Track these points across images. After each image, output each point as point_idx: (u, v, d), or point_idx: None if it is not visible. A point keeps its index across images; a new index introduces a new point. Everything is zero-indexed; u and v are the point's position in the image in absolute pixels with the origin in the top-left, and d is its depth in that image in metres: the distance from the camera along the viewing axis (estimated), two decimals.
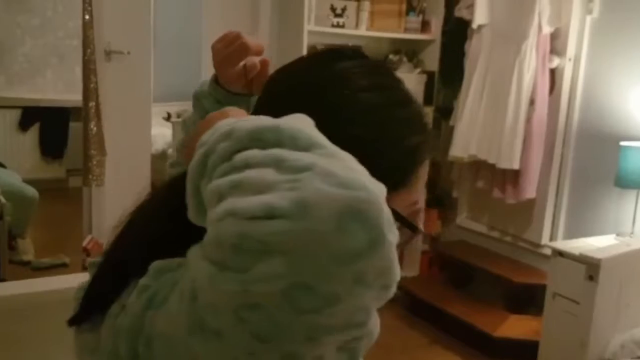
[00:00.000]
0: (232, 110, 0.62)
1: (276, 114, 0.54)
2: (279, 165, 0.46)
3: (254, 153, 0.48)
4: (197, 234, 0.51)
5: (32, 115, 4.48)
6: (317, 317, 0.44)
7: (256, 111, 0.70)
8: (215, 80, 0.89)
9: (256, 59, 0.83)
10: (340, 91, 0.66)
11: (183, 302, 0.49)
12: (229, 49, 0.84)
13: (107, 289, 0.62)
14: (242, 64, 0.83)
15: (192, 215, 0.54)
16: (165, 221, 0.62)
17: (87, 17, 2.79)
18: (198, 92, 0.93)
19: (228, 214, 0.44)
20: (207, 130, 0.55)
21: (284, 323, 0.44)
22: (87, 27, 2.82)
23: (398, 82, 0.71)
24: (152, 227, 0.65)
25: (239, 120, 0.54)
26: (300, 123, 0.52)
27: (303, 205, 0.42)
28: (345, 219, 0.42)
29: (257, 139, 0.49)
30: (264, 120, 0.52)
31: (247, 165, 0.47)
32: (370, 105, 0.66)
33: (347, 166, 0.47)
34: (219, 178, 0.48)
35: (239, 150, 0.49)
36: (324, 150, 0.48)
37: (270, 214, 0.43)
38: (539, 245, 3.21)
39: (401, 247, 0.51)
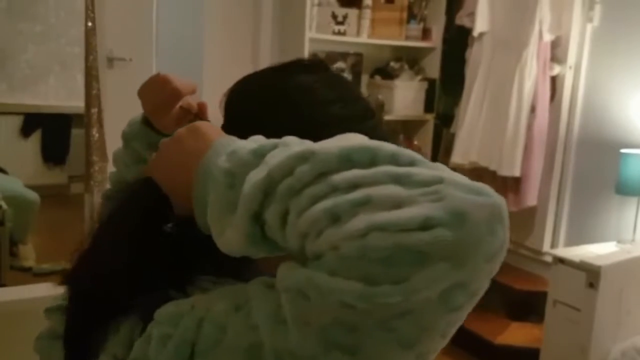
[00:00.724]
0: (204, 125, 0.64)
1: (247, 127, 0.59)
2: (400, 181, 0.48)
3: (354, 173, 0.49)
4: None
5: (34, 122, 4.49)
6: (459, 313, 0.48)
7: (229, 122, 0.71)
8: (146, 122, 0.88)
9: (191, 100, 0.84)
10: (312, 103, 0.69)
11: (290, 332, 0.48)
12: (161, 97, 0.84)
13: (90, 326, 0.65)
14: (178, 106, 0.84)
15: (235, 242, 0.54)
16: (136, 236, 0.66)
17: (89, 24, 2.80)
18: (127, 133, 0.90)
19: (372, 229, 0.45)
20: (183, 148, 0.61)
21: (430, 324, 0.47)
22: (90, 34, 2.83)
23: (359, 95, 0.74)
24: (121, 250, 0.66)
25: (302, 141, 0.55)
26: (369, 140, 0.53)
27: (458, 213, 0.45)
28: (493, 222, 0.47)
29: (347, 161, 0.50)
30: (346, 141, 0.52)
31: (355, 186, 0.48)
32: (341, 118, 0.69)
33: (460, 176, 0.50)
34: (313, 204, 0.48)
35: (324, 173, 0.49)
36: (429, 164, 0.51)
37: (425, 225, 0.45)
38: (540, 253, 3.21)
39: None
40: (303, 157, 0.51)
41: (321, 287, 0.47)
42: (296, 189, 0.50)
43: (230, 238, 0.54)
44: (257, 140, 0.58)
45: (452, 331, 0.50)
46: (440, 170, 0.50)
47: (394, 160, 0.50)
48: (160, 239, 0.65)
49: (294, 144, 0.54)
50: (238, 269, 0.62)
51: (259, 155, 0.54)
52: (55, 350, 0.71)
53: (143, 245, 0.65)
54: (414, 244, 0.45)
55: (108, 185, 0.99)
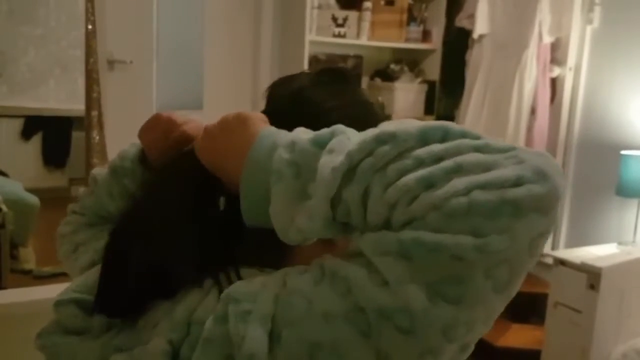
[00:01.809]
0: (251, 114, 0.67)
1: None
2: (481, 149, 0.53)
3: (435, 147, 0.53)
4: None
5: (34, 125, 4.50)
6: (537, 258, 0.54)
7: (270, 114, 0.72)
8: (142, 161, 0.86)
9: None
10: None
11: (395, 292, 0.51)
12: (169, 142, 0.81)
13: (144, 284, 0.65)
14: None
15: (309, 228, 0.56)
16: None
17: (89, 27, 2.80)
18: (118, 167, 0.88)
19: (474, 187, 0.50)
20: (237, 138, 0.64)
21: (520, 269, 0.53)
22: (90, 37, 2.84)
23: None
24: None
25: (381, 125, 0.59)
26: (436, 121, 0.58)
27: (541, 171, 0.51)
28: (562, 175, 0.54)
29: (424, 138, 0.54)
30: (416, 124, 0.56)
31: (440, 158, 0.53)
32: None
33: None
34: (401, 176, 0.52)
35: (406, 150, 0.54)
36: (491, 138, 0.56)
37: (518, 182, 0.50)
38: (541, 254, 3.20)
39: None
40: (382, 139, 0.54)
41: (429, 245, 0.50)
42: (379, 166, 0.53)
43: (302, 225, 0.57)
44: (305, 132, 0.61)
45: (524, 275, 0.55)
46: (505, 142, 0.55)
47: (464, 135, 0.55)
48: (211, 215, 0.67)
49: (349, 131, 0.58)
50: (278, 262, 0.63)
51: (319, 144, 0.57)
52: (67, 346, 0.69)
53: (197, 219, 0.67)
54: (513, 198, 0.50)
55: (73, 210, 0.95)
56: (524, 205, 0.50)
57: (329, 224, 0.56)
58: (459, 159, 0.52)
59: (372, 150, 0.54)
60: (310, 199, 0.56)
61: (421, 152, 0.53)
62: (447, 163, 0.52)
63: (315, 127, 0.61)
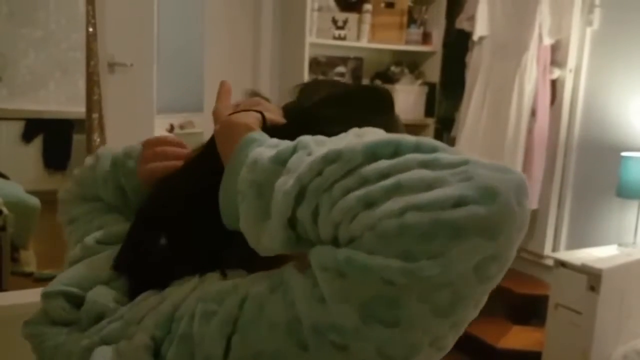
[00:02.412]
0: (236, 120, 0.68)
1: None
2: (428, 165, 0.51)
3: (382, 164, 0.52)
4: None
5: (35, 127, 4.50)
6: (492, 283, 0.51)
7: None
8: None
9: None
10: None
11: (329, 308, 0.51)
12: (168, 164, 0.83)
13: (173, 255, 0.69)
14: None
15: (272, 248, 0.57)
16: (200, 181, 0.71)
17: (90, 29, 2.81)
18: (119, 162, 0.87)
19: (409, 209, 0.48)
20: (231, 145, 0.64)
21: (465, 294, 0.50)
22: (91, 40, 2.84)
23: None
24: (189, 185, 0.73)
25: (317, 139, 0.59)
26: (389, 134, 0.56)
27: (488, 190, 0.48)
28: (520, 195, 0.50)
29: (372, 154, 0.53)
30: (367, 136, 0.55)
31: (383, 175, 0.51)
32: None
33: (478, 157, 0.52)
34: (344, 195, 0.51)
35: (353, 169, 0.52)
36: (452, 150, 0.53)
37: (459, 202, 0.47)
38: (541, 256, 3.21)
39: None
40: (330, 159, 0.53)
41: (360, 266, 0.49)
42: (326, 186, 0.53)
43: (266, 244, 0.57)
44: (274, 146, 0.61)
45: (484, 300, 0.53)
46: (462, 154, 0.53)
47: (417, 149, 0.53)
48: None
49: (311, 145, 0.57)
50: (269, 265, 0.64)
51: (280, 162, 0.57)
52: (53, 337, 0.70)
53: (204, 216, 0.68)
54: (450, 220, 0.47)
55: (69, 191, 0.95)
56: (463, 228, 0.47)
57: (290, 244, 0.56)
58: (402, 176, 0.50)
59: (321, 170, 0.53)
60: (269, 218, 0.56)
61: (367, 169, 0.52)
62: (388, 181, 0.50)
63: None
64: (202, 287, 0.63)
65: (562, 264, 2.59)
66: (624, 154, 2.69)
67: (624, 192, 2.68)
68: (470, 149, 3.25)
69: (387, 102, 0.75)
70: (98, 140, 2.89)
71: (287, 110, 0.75)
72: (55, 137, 4.54)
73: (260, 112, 0.69)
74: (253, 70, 3.60)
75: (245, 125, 0.66)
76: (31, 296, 1.51)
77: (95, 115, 2.88)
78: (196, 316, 0.58)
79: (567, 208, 3.16)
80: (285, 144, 0.60)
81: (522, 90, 3.05)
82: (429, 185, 0.49)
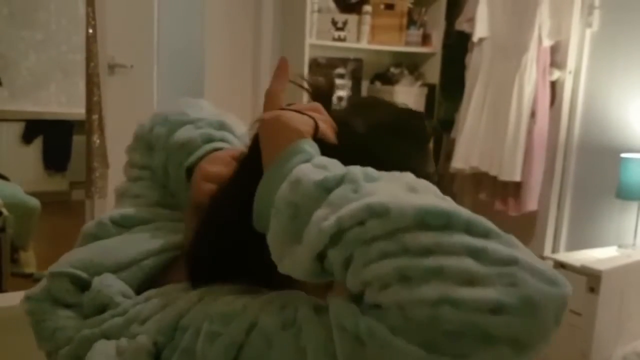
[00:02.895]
0: (285, 120, 0.63)
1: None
2: (476, 255, 0.48)
3: (428, 238, 0.49)
4: None
5: (35, 128, 4.51)
6: None
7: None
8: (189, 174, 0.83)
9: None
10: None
11: None
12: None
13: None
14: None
15: (293, 272, 0.56)
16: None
17: (90, 31, 2.81)
18: (182, 157, 0.84)
19: (444, 302, 0.46)
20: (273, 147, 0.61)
21: None
22: (91, 41, 2.85)
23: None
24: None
25: (365, 173, 0.56)
26: (443, 200, 0.54)
27: (530, 303, 0.46)
28: (560, 313, 0.49)
29: (420, 222, 0.50)
30: (421, 199, 0.52)
31: (427, 251, 0.49)
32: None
33: (533, 255, 0.50)
34: (382, 258, 0.49)
35: (397, 231, 0.50)
36: (503, 238, 0.51)
37: (497, 309, 0.46)
38: (541, 257, 3.18)
39: None
40: (376, 212, 0.51)
41: (381, 341, 0.48)
42: (365, 240, 0.51)
43: (288, 266, 0.56)
44: (321, 167, 0.58)
45: None
46: (514, 246, 0.51)
47: (469, 228, 0.50)
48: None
49: (360, 180, 0.55)
50: (288, 285, 0.63)
51: (324, 189, 0.55)
52: (53, 317, 0.70)
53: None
54: (483, 325, 0.46)
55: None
56: (494, 336, 0.46)
57: (314, 275, 0.55)
58: (446, 261, 0.48)
59: (364, 220, 0.51)
60: (298, 245, 0.55)
61: (411, 238, 0.49)
62: (430, 261, 0.48)
63: (353, 157, 0.60)
64: (209, 300, 0.62)
65: (561, 265, 2.59)
66: (623, 155, 2.69)
67: (624, 194, 2.68)
68: (470, 150, 3.26)
69: (429, 131, 0.74)
70: (98, 141, 2.89)
71: (337, 123, 0.69)
72: (55, 139, 4.55)
73: (314, 121, 0.65)
74: (253, 71, 3.60)
75: (297, 131, 0.62)
76: None
77: (95, 117, 2.88)
78: (201, 334, 0.58)
79: (566, 209, 3.16)
80: (333, 169, 0.57)
81: (522, 92, 3.05)
82: (471, 281, 0.47)
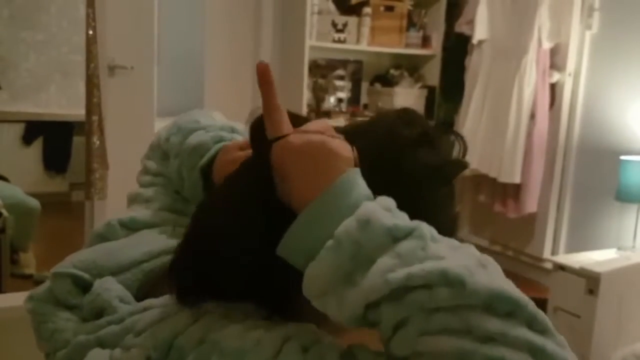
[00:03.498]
0: (337, 149, 0.59)
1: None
2: (535, 353, 0.48)
3: (493, 325, 0.49)
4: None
5: (35, 130, 4.52)
6: None
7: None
8: (206, 174, 0.84)
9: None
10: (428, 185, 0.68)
11: None
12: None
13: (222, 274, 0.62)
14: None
15: (332, 312, 0.54)
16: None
17: (90, 32, 2.81)
18: (195, 160, 0.84)
19: None
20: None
21: None
22: (91, 42, 2.84)
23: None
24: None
25: (437, 237, 0.55)
26: (512, 287, 0.53)
27: None
28: None
29: (489, 305, 0.49)
30: (492, 281, 0.51)
31: (489, 339, 0.48)
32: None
33: (575, 357, 0.51)
34: (441, 333, 0.49)
35: (463, 307, 0.49)
36: (557, 338, 0.51)
37: None
38: (540, 260, 3.21)
39: None
40: (448, 281, 0.50)
41: None
42: (428, 308, 0.49)
43: (331, 305, 0.54)
44: (387, 210, 0.56)
45: None
46: (566, 348, 0.51)
47: (530, 322, 0.50)
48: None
49: (428, 240, 0.54)
50: (296, 313, 0.61)
51: (393, 237, 0.53)
52: (53, 319, 0.71)
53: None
54: None
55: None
56: None
57: (354, 321, 0.53)
58: (508, 353, 0.47)
59: (433, 285, 0.50)
60: (351, 287, 0.52)
61: (477, 320, 0.48)
62: (493, 351, 0.47)
63: (385, 187, 0.58)
64: (207, 323, 0.60)
65: (561, 267, 2.59)
66: (623, 157, 2.70)
67: (623, 196, 2.68)
68: (469, 152, 3.25)
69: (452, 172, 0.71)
70: (98, 142, 2.89)
71: (357, 137, 0.65)
72: (55, 140, 4.55)
73: (352, 145, 0.61)
74: (253, 73, 3.59)
75: (347, 160, 0.59)
76: None
77: (95, 118, 2.88)
78: None
79: (566, 211, 3.16)
80: (403, 218, 0.55)
81: (522, 94, 3.06)
82: None
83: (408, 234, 0.53)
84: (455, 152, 0.72)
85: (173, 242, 0.78)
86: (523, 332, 0.49)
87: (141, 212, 0.85)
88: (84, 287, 0.73)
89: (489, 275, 0.52)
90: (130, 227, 0.83)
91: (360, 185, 0.57)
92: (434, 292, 0.49)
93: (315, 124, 0.63)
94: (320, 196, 0.56)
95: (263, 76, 0.63)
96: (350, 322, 0.53)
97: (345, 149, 0.59)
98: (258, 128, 0.63)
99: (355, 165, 0.59)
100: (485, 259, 0.55)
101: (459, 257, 0.53)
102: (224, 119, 0.93)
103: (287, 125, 0.62)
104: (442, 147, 0.70)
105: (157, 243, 0.79)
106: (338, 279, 0.53)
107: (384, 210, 0.55)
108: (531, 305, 0.51)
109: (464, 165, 0.71)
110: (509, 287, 0.51)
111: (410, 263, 0.51)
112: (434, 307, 0.49)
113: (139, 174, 0.93)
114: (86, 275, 0.73)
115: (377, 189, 0.57)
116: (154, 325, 0.63)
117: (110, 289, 0.71)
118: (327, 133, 0.62)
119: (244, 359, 0.55)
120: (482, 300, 0.49)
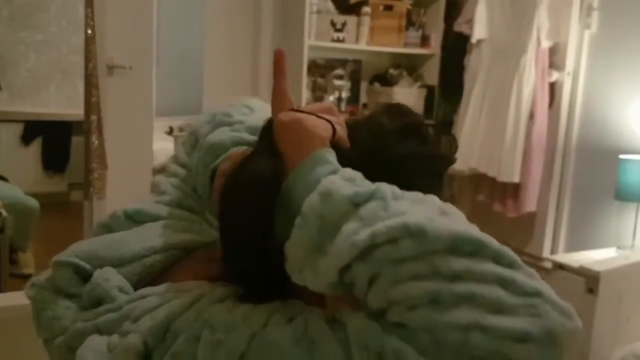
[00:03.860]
0: (308, 124, 0.62)
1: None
2: (504, 285, 0.50)
3: (459, 264, 0.50)
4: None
5: (34, 130, 4.51)
6: None
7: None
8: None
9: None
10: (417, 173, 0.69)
11: None
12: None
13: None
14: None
15: (313, 284, 0.56)
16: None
17: (89, 31, 2.81)
18: (210, 162, 0.81)
19: (475, 328, 0.48)
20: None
21: None
22: (89, 42, 2.85)
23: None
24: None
25: (394, 193, 0.56)
26: (475, 229, 0.54)
27: (552, 335, 0.49)
28: (572, 344, 0.50)
29: (453, 247, 0.51)
30: (454, 224, 0.53)
31: (457, 277, 0.50)
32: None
33: (552, 289, 0.53)
34: (412, 279, 0.50)
35: (428, 254, 0.51)
36: (526, 270, 0.53)
37: (523, 338, 0.48)
38: (540, 259, 3.21)
39: None
40: (411, 232, 0.52)
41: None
42: (396, 259, 0.51)
43: (308, 278, 0.56)
44: (349, 180, 0.58)
45: None
46: (536, 278, 0.53)
47: (497, 258, 0.52)
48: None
49: (389, 199, 0.56)
50: (282, 292, 0.62)
51: (354, 204, 0.55)
52: (53, 306, 0.71)
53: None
54: (508, 353, 0.48)
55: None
56: None
57: (332, 287, 0.55)
58: (476, 287, 0.49)
59: (397, 239, 0.52)
60: (322, 256, 0.55)
61: (443, 262, 0.51)
62: (461, 287, 0.49)
63: (381, 171, 0.61)
64: (201, 306, 0.62)
65: (560, 266, 2.59)
66: (622, 156, 2.70)
67: (623, 195, 2.68)
68: (468, 151, 3.26)
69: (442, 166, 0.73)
70: (96, 142, 2.90)
71: (354, 129, 0.69)
72: (54, 140, 4.55)
73: (332, 126, 0.65)
74: (252, 72, 3.60)
75: (321, 139, 0.62)
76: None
77: (93, 118, 2.89)
78: (202, 343, 0.58)
79: (565, 210, 3.16)
80: (363, 185, 0.57)
81: (521, 93, 3.06)
82: (499, 309, 0.49)
83: (369, 197, 0.56)
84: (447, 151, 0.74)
85: (176, 238, 0.79)
86: (489, 267, 0.51)
87: (148, 204, 0.84)
88: (85, 276, 0.73)
89: (450, 220, 0.54)
90: (136, 219, 0.82)
91: (328, 162, 0.60)
92: (398, 245, 0.51)
93: (317, 105, 0.68)
94: (291, 175, 0.60)
95: (278, 63, 0.71)
96: (330, 290, 0.56)
97: (323, 128, 0.63)
98: (268, 121, 0.67)
99: (338, 146, 0.63)
100: (447, 207, 0.57)
101: (421, 209, 0.55)
102: (264, 111, 0.87)
103: (289, 108, 0.66)
104: (430, 141, 0.72)
105: (159, 238, 0.79)
106: (310, 252, 0.55)
107: (345, 181, 0.57)
108: (496, 243, 0.53)
109: (450, 160, 0.73)
110: (472, 229, 0.53)
111: (373, 223, 0.53)
112: (401, 258, 0.51)
113: (170, 158, 0.91)
114: (87, 265, 0.73)
115: (370, 178, 0.59)
116: (151, 312, 0.64)
117: (110, 279, 0.71)
118: (328, 114, 0.66)
119: (234, 332, 0.57)
120: (444, 244, 0.51)
